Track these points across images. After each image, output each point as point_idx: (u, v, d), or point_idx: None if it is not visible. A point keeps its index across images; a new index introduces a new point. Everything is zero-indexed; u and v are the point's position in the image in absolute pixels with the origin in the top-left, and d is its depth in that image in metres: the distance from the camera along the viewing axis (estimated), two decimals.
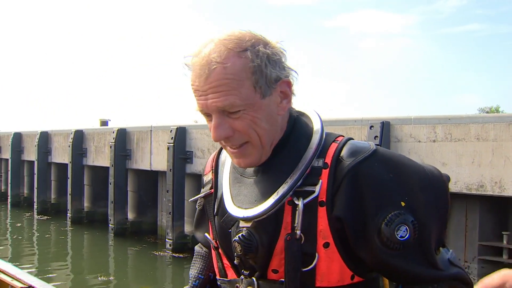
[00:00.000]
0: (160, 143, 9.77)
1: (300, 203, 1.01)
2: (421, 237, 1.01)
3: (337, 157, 1.04)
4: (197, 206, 1.28)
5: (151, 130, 10.11)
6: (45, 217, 13.55)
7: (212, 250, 1.21)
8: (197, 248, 1.40)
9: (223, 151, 1.21)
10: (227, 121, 1.02)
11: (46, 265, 8.70)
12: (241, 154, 1.06)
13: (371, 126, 6.30)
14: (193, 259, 1.39)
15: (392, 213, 0.99)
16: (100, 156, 11.77)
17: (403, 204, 1.00)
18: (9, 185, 15.89)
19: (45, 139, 14.05)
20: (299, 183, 1.03)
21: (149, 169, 10.16)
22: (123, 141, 10.69)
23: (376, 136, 6.22)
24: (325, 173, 1.03)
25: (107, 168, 11.09)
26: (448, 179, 1.10)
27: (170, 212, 9.11)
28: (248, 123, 1.02)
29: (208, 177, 1.23)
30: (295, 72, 1.09)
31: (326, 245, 1.02)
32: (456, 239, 5.92)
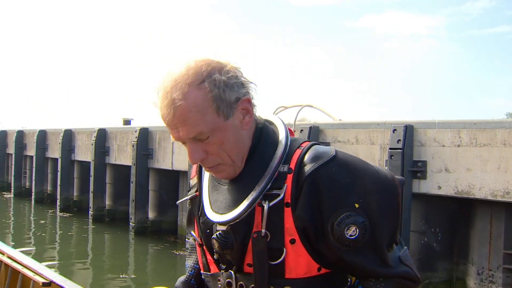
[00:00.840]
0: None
1: (266, 205, 1.15)
2: (372, 236, 1.14)
3: (300, 162, 1.17)
4: (187, 206, 1.43)
5: None
6: (67, 214, 13.84)
7: (197, 247, 1.35)
8: (191, 241, 1.51)
9: None
10: (200, 146, 1.16)
11: (67, 262, 8.91)
12: (215, 171, 1.22)
13: (394, 130, 6.28)
14: (189, 251, 1.55)
15: (344, 214, 1.12)
16: (123, 155, 11.97)
17: (357, 205, 1.13)
18: (33, 181, 16.27)
19: (69, 137, 14.34)
20: (267, 188, 1.16)
21: (170, 168, 10.30)
22: (145, 140, 10.87)
23: (399, 140, 6.21)
24: (289, 177, 1.16)
25: (129, 167, 11.27)
26: (401, 182, 1.23)
27: None
28: (218, 145, 1.16)
29: (194, 181, 1.37)
30: (254, 84, 1.21)
31: (293, 241, 1.16)
32: (480, 247, 5.87)
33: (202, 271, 1.36)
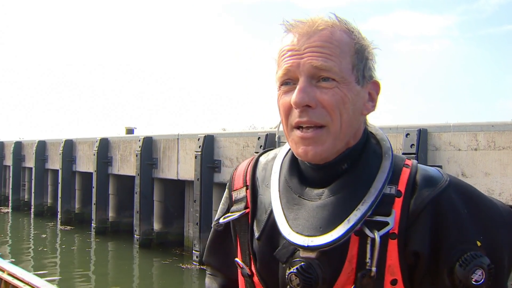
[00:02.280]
0: (188, 152, 9.91)
1: (376, 235, 0.93)
2: (494, 282, 0.95)
3: (411, 185, 0.98)
4: (214, 227, 1.18)
5: (178, 138, 10.27)
6: (69, 227, 13.84)
7: (240, 277, 1.12)
8: (208, 283, 1.25)
9: (260, 162, 1.14)
10: (314, 91, 0.96)
11: (70, 277, 8.89)
12: (313, 139, 0.97)
13: (407, 134, 6.28)
14: (209, 272, 1.27)
15: (469, 253, 0.93)
16: (126, 165, 11.99)
17: (479, 243, 0.95)
18: (33, 194, 16.29)
19: (69, 147, 14.38)
20: (370, 212, 0.95)
21: (176, 178, 10.31)
22: (149, 150, 10.89)
23: (413, 145, 6.21)
24: (398, 202, 0.96)
25: (133, 177, 11.29)
26: None
27: (197, 223, 9.21)
28: (337, 100, 0.96)
29: (240, 194, 1.12)
30: (379, 81, 1.06)
31: (394, 282, 0.96)
32: None
33: None
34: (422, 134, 6.20)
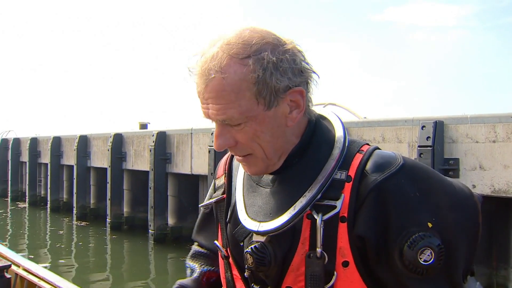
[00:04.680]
0: (201, 146, 9.93)
1: (318, 218, 0.99)
2: (447, 262, 0.97)
3: (361, 170, 1.01)
4: (202, 209, 1.28)
5: (191, 133, 10.28)
6: (84, 222, 13.97)
7: (220, 259, 1.19)
8: (195, 247, 1.36)
9: None
10: (229, 131, 1.01)
11: (85, 272, 8.98)
12: (246, 163, 1.06)
13: (423, 126, 6.20)
14: (191, 254, 1.38)
15: (417, 234, 0.95)
16: (140, 160, 12.05)
17: (430, 225, 0.97)
18: (49, 190, 16.48)
19: (84, 143, 14.49)
20: (318, 196, 1.00)
21: (189, 173, 10.33)
22: (163, 145, 10.92)
23: (429, 137, 6.12)
24: (347, 187, 1.00)
25: (147, 172, 11.35)
26: (480, 200, 1.07)
27: None
28: (250, 137, 1.01)
29: (220, 181, 1.21)
30: (316, 74, 1.05)
31: (345, 264, 1.00)
32: None
33: None
34: (438, 126, 6.11)
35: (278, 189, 1.05)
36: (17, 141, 19.93)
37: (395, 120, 6.83)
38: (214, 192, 1.22)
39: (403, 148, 6.68)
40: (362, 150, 1.05)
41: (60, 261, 9.87)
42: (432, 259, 0.94)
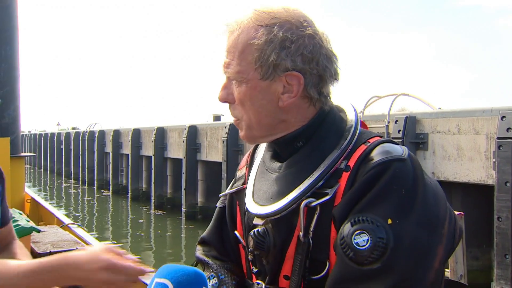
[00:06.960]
0: None
1: (302, 204, 0.97)
2: (390, 264, 0.88)
3: (361, 161, 0.98)
4: (218, 205, 1.27)
5: None
6: (161, 211, 14.48)
7: (241, 249, 1.20)
8: (200, 255, 1.27)
9: (260, 145, 1.23)
10: (231, 88, 1.07)
11: (164, 262, 9.29)
12: (238, 127, 1.11)
13: (503, 117, 5.84)
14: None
15: (366, 217, 0.90)
16: (213, 151, 12.28)
17: (389, 221, 0.90)
18: (129, 179, 17.25)
19: (161, 135, 14.98)
20: (319, 184, 0.99)
21: None
22: (235, 136, 11.05)
23: (509, 128, 5.77)
24: (345, 176, 0.98)
25: (220, 163, 11.55)
26: (461, 230, 1.01)
27: None
28: (241, 97, 1.05)
29: (241, 172, 1.23)
30: (332, 70, 1.04)
31: None
32: None
33: (246, 278, 1.18)
34: None
35: (282, 175, 1.06)
36: (102, 133, 20.96)
37: (472, 110, 6.50)
38: (235, 183, 1.24)
39: (480, 140, 6.35)
40: (368, 142, 1.02)
41: (139, 250, 10.27)
42: (366, 246, 0.88)
